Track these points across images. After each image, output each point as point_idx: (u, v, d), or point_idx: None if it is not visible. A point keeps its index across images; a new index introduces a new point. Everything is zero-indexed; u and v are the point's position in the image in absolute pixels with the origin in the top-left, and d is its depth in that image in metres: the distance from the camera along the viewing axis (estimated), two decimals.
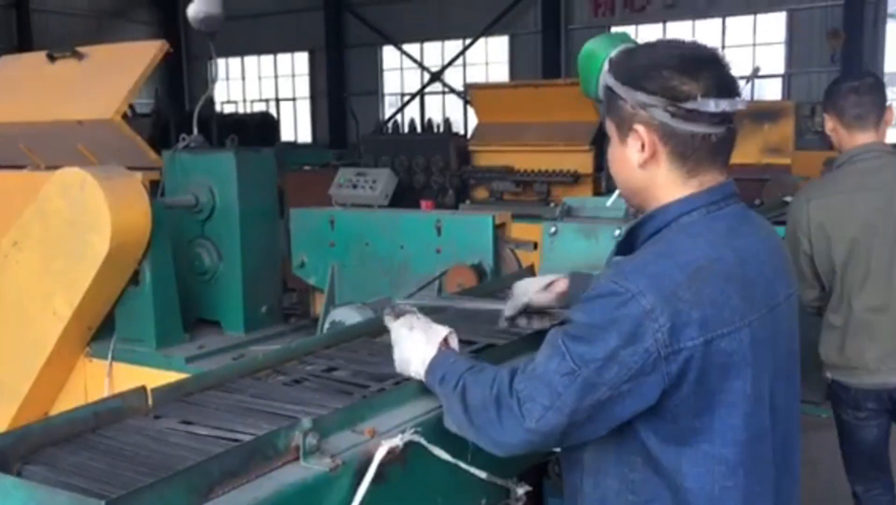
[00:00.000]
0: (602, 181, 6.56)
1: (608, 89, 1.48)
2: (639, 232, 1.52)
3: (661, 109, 1.41)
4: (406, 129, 8.64)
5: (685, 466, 1.38)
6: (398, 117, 20.08)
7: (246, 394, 1.68)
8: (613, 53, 1.75)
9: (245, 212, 3.19)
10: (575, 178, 6.67)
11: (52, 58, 3.75)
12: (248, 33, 23.09)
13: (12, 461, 1.31)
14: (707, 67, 1.43)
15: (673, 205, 1.46)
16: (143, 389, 1.57)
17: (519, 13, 19.71)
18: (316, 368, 1.86)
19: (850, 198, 2.87)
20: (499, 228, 2.95)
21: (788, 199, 5.56)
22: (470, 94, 7.77)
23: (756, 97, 14.49)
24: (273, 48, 24.25)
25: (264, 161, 3.30)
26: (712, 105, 1.40)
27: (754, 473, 1.41)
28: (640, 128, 1.44)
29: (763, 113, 6.10)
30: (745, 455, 1.39)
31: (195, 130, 3.41)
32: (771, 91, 16.79)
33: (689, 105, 1.40)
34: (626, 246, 1.53)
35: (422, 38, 21.50)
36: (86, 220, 2.83)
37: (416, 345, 1.58)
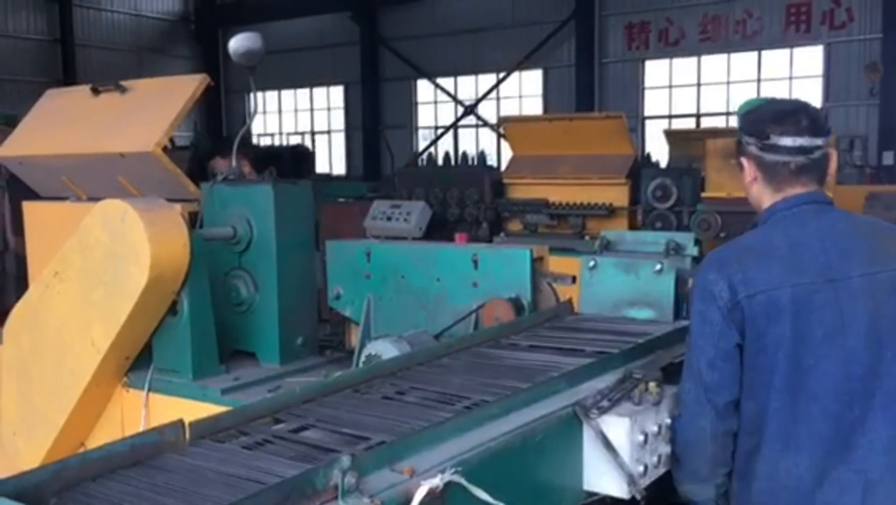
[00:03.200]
0: (638, 214, 6.49)
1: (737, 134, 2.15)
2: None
3: (755, 147, 2.03)
4: (441, 162, 8.65)
5: (748, 390, 1.91)
6: (432, 150, 20.21)
7: (286, 425, 1.66)
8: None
9: (282, 244, 3.20)
10: (610, 211, 6.62)
11: (95, 91, 3.82)
12: (285, 67, 23.46)
13: (47, 496, 1.30)
14: (791, 115, 2.01)
15: (764, 212, 2.08)
16: (181, 422, 1.56)
17: (553, 47, 19.80)
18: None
19: None
20: (536, 262, 2.91)
21: None
22: (504, 127, 7.77)
23: None
24: (309, 82, 24.61)
25: (301, 193, 3.31)
26: (787, 141, 1.98)
27: (800, 399, 1.88)
28: (745, 160, 2.08)
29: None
30: (790, 383, 1.88)
31: (233, 163, 3.43)
32: None
33: (769, 142, 2.00)
34: None
35: (456, 72, 21.68)
36: (125, 251, 2.85)
37: None
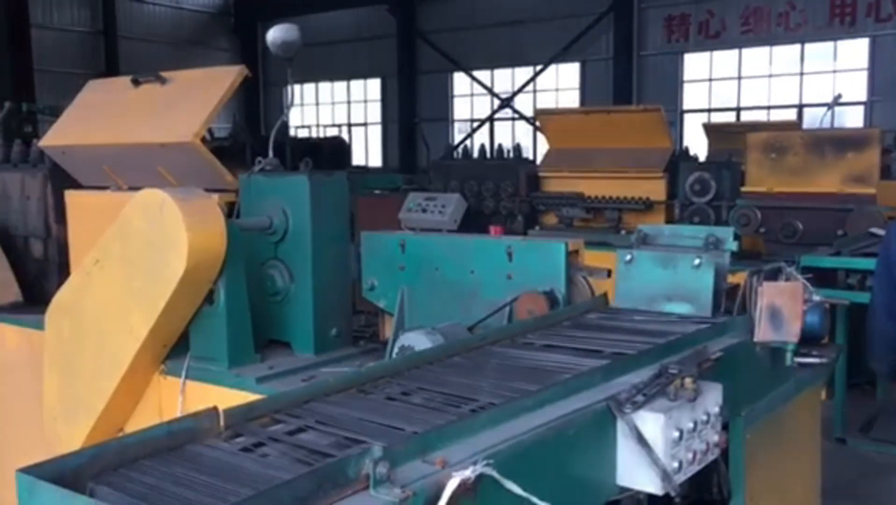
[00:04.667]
0: (675, 209, 6.42)
1: None
2: None
3: None
4: (476, 155, 8.65)
5: None
6: (468, 143, 20.19)
7: (317, 415, 1.67)
8: None
9: (317, 234, 3.21)
10: (647, 206, 6.56)
11: (136, 82, 3.86)
12: (322, 60, 23.59)
13: (85, 480, 1.32)
14: None
15: None
16: (216, 409, 1.57)
17: (591, 39, 19.65)
18: (394, 391, 1.84)
19: None
20: (571, 255, 2.89)
21: (875, 230, 5.35)
22: (540, 120, 7.74)
23: (837, 125, 14.07)
24: (346, 74, 24.72)
25: (337, 184, 3.31)
26: None
27: None
28: None
29: (846, 140, 5.88)
30: None
31: (270, 154, 3.46)
32: (852, 119, 16.31)
33: None
34: None
35: (492, 65, 21.62)
36: (164, 240, 2.88)
37: None
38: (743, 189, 6.06)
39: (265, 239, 3.30)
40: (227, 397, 2.79)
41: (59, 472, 1.32)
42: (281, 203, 3.26)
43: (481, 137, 21.41)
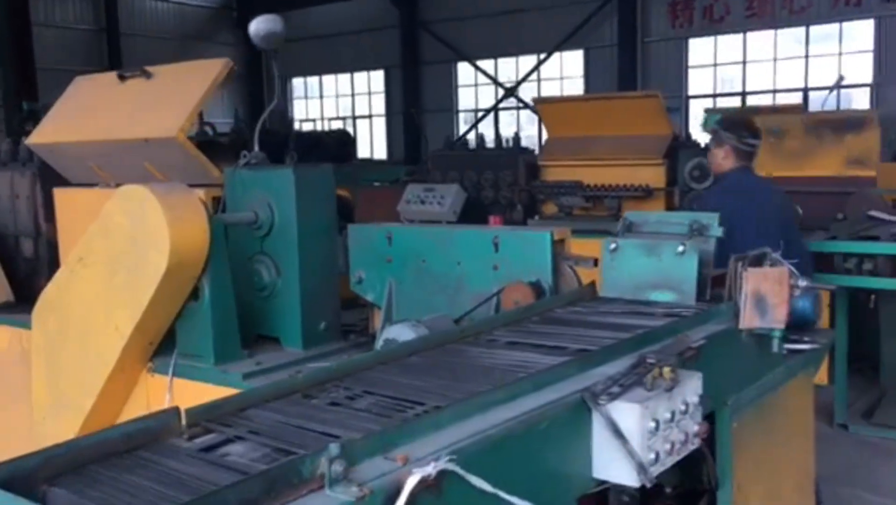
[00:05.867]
0: (675, 196, 6.37)
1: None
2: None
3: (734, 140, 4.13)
4: (474, 145, 8.60)
5: None
6: (471, 133, 20.12)
7: (251, 424, 1.60)
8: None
9: (303, 228, 3.18)
10: (647, 193, 6.50)
11: (122, 77, 3.84)
12: (325, 52, 23.52)
13: (38, 484, 1.29)
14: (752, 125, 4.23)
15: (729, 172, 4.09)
16: (177, 409, 1.55)
17: (594, 27, 19.53)
18: (354, 391, 1.79)
19: None
20: (557, 245, 2.85)
21: (874, 213, 5.29)
22: (539, 108, 7.68)
23: (843, 107, 13.94)
24: (350, 66, 24.65)
25: (323, 177, 3.29)
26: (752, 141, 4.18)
27: None
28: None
29: (845, 123, 5.79)
30: None
31: (256, 147, 3.42)
32: (859, 101, 16.16)
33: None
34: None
35: (496, 54, 21.51)
36: (146, 236, 2.86)
37: None
38: None
39: (251, 234, 3.27)
40: (214, 394, 2.75)
41: (11, 475, 1.30)
42: (266, 197, 3.23)
43: (486, 128, 21.34)
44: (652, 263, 2.57)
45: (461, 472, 1.41)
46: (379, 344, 2.76)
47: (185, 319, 3.07)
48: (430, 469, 1.36)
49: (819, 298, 2.88)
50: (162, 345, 3.17)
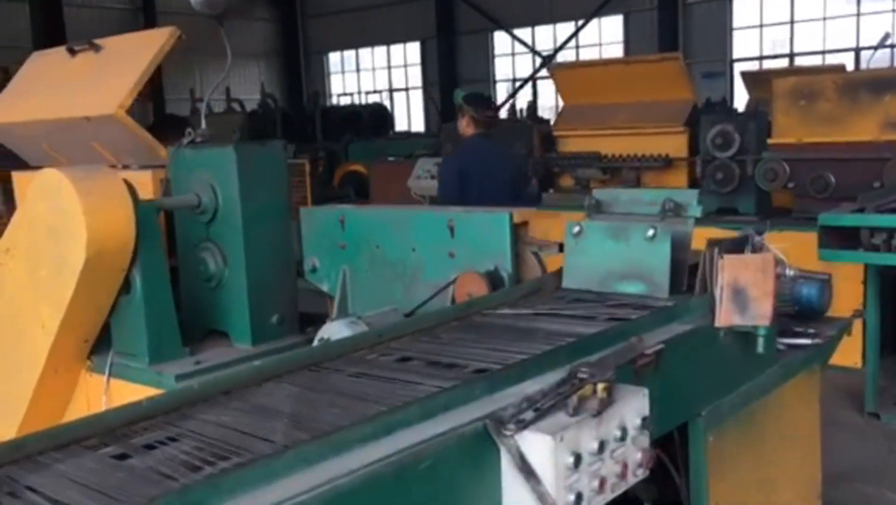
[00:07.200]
0: (697, 165, 5.90)
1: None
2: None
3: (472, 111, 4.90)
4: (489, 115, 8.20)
5: None
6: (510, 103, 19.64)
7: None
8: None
9: (248, 212, 2.88)
10: (667, 163, 6.05)
11: (72, 51, 3.57)
12: (361, 26, 23.17)
13: None
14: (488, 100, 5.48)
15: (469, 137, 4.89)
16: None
17: None
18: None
19: None
20: (520, 228, 2.51)
21: None
22: (554, 76, 7.24)
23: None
24: (386, 39, 24.30)
25: (271, 155, 2.97)
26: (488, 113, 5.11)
27: None
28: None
29: (882, 82, 5.24)
30: None
31: (203, 124, 3.12)
32: None
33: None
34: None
35: (533, 22, 20.93)
36: (63, 224, 2.59)
37: None
38: (770, 141, 5.51)
39: (196, 219, 2.98)
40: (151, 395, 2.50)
41: None
42: (209, 178, 2.93)
43: (524, 97, 20.83)
44: (620, 249, 2.21)
45: None
46: (315, 342, 2.45)
47: (117, 314, 2.80)
48: None
49: (829, 284, 2.48)
50: (101, 343, 2.92)
